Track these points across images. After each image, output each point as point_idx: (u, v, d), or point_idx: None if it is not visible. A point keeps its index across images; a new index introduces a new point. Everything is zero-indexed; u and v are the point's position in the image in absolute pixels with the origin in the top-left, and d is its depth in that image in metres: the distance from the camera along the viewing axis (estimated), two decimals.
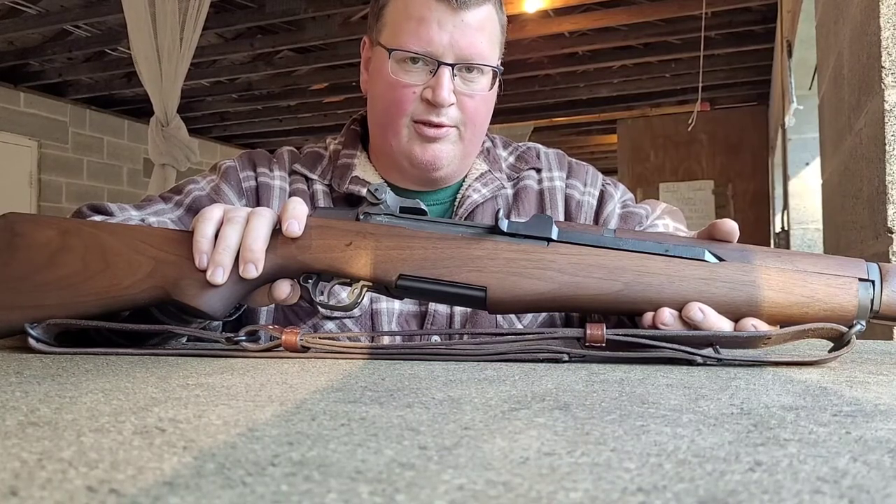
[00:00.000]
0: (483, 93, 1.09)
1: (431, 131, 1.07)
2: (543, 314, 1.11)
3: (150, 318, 0.87)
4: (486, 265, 0.79)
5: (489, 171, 1.17)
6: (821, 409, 0.44)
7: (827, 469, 0.30)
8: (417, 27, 1.04)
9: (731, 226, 0.81)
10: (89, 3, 5.91)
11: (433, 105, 1.05)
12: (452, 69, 1.05)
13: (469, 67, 1.06)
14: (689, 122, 5.70)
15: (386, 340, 0.99)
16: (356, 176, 1.13)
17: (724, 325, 0.76)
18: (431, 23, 1.04)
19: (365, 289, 0.82)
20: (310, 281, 0.83)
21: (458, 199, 1.14)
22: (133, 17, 4.67)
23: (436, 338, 1.06)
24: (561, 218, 1.17)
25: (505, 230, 0.80)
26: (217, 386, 0.53)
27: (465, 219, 1.10)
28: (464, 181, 1.16)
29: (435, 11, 1.04)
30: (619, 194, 1.21)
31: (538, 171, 1.20)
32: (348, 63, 6.87)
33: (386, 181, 1.14)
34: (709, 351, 0.72)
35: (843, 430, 0.38)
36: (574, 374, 0.63)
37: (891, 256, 1.43)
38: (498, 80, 1.11)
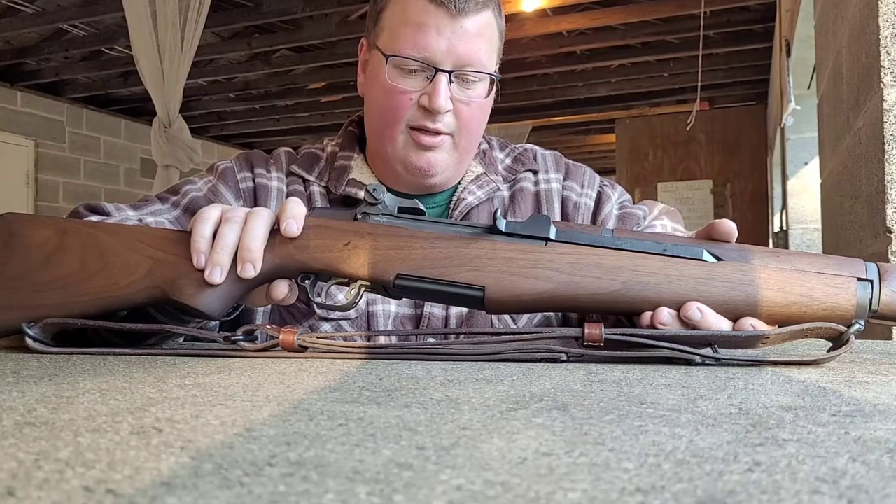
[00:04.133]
0: (479, 100, 1.08)
1: (427, 139, 1.07)
2: (540, 315, 1.10)
3: (148, 318, 0.87)
4: (485, 265, 0.79)
5: (484, 173, 1.16)
6: (819, 409, 0.44)
7: (826, 469, 0.30)
8: (415, 33, 1.03)
9: (729, 226, 0.81)
10: (86, 2, 5.90)
11: (429, 111, 1.05)
12: (450, 76, 1.04)
13: (467, 74, 1.06)
14: (689, 121, 5.70)
15: (382, 341, 0.99)
16: (353, 178, 1.13)
17: (722, 324, 0.76)
18: (430, 29, 1.03)
19: (363, 289, 0.82)
20: (308, 281, 0.83)
21: (453, 202, 1.14)
22: (133, 17, 4.65)
23: (431, 339, 1.06)
24: (558, 219, 1.16)
25: (503, 230, 0.80)
26: (214, 386, 0.53)
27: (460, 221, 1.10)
28: (459, 183, 1.16)
29: (434, 17, 1.03)
30: (617, 195, 1.21)
31: (535, 172, 1.20)
32: (346, 62, 6.87)
33: (382, 184, 1.13)
34: (707, 350, 0.72)
35: (841, 431, 0.38)
36: (572, 374, 0.63)
37: (890, 256, 1.43)
38: (495, 87, 1.10)
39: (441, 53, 1.03)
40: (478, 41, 1.05)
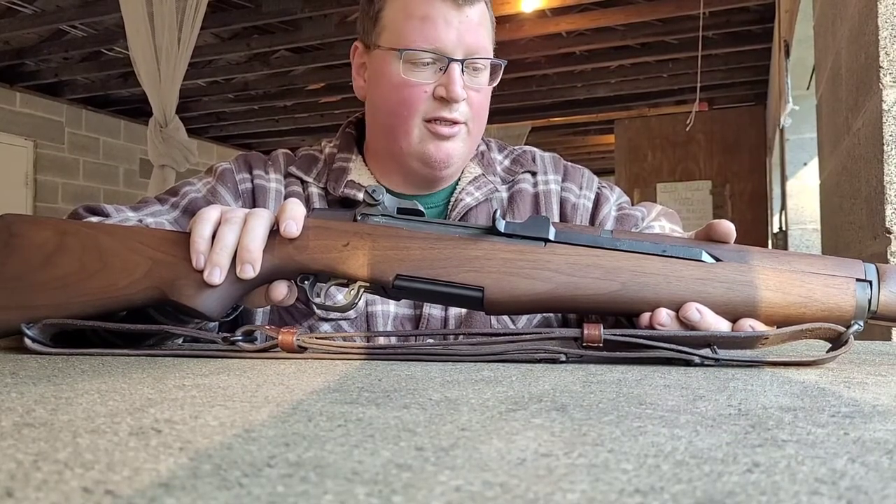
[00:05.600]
0: (486, 86, 1.11)
1: (445, 129, 1.08)
2: (539, 316, 1.11)
3: (148, 319, 0.87)
4: (484, 265, 0.79)
5: (483, 174, 1.17)
6: (819, 410, 0.44)
7: (825, 470, 0.30)
8: (423, 26, 1.05)
9: (727, 226, 0.81)
10: (85, 2, 5.90)
11: (447, 102, 1.06)
12: (462, 65, 1.06)
13: (476, 62, 1.08)
14: (688, 122, 5.71)
15: (381, 342, 0.99)
16: (351, 180, 1.13)
17: (721, 325, 0.76)
18: (437, 20, 1.05)
19: (362, 289, 0.82)
20: (307, 282, 0.83)
21: (451, 202, 1.14)
22: (131, 18, 4.65)
23: (430, 340, 1.06)
24: (556, 220, 1.17)
25: (502, 231, 0.80)
26: (213, 387, 0.53)
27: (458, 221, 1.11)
28: (457, 184, 1.16)
29: (439, 9, 1.05)
30: (615, 197, 1.21)
31: (533, 174, 1.20)
32: (345, 63, 6.85)
33: (381, 184, 1.14)
34: (706, 351, 0.72)
35: (841, 431, 0.38)
36: (571, 374, 0.63)
37: (889, 257, 1.43)
38: (500, 73, 1.13)
39: (452, 44, 1.05)
40: (481, 29, 1.08)
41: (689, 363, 0.72)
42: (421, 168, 1.11)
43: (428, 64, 1.06)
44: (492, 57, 1.11)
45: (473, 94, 1.09)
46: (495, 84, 1.13)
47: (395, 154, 1.12)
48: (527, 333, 0.75)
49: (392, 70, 1.07)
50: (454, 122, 1.08)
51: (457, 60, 1.06)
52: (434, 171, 1.11)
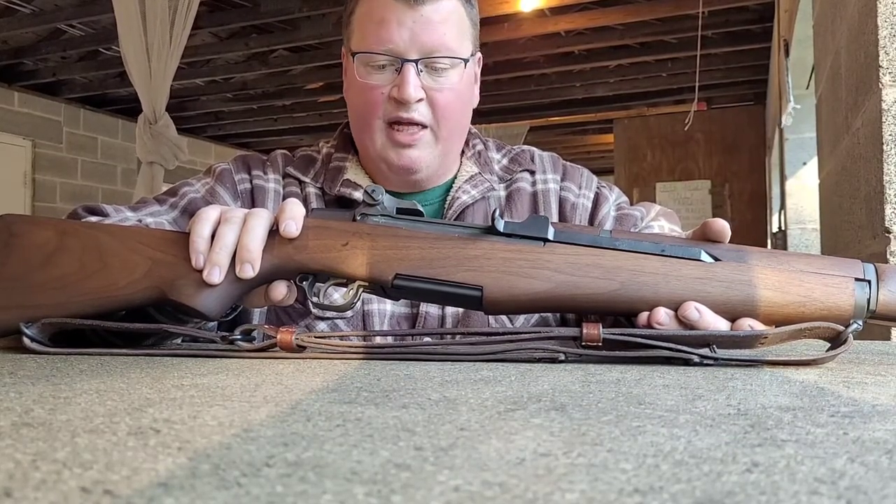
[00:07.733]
0: (454, 86, 1.08)
1: (404, 137, 1.07)
2: (536, 316, 1.11)
3: (147, 319, 0.87)
4: (483, 265, 0.79)
5: (479, 173, 1.17)
6: (818, 410, 0.44)
7: (824, 470, 0.30)
8: (379, 28, 1.05)
9: (721, 224, 0.81)
10: (83, 2, 5.90)
11: (401, 102, 1.05)
12: (417, 65, 1.05)
13: (436, 61, 1.06)
14: (686, 121, 5.71)
15: (378, 341, 0.99)
16: (347, 179, 1.13)
17: (720, 324, 0.76)
18: (391, 22, 1.04)
19: (361, 289, 0.82)
20: (306, 282, 0.83)
21: (447, 201, 1.14)
22: (123, 15, 4.63)
23: (427, 339, 1.06)
24: (555, 220, 1.16)
25: (501, 230, 0.80)
26: (212, 386, 0.53)
27: (455, 220, 1.10)
28: (454, 182, 1.16)
29: (394, 11, 1.04)
30: (614, 197, 1.21)
31: (532, 173, 1.20)
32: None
33: (378, 184, 1.14)
34: (705, 350, 0.72)
35: (840, 431, 0.38)
36: (570, 374, 0.63)
37: (888, 256, 1.43)
38: (467, 70, 1.10)
39: (405, 44, 1.04)
40: (442, 27, 1.06)
41: (688, 362, 0.72)
42: (389, 173, 1.11)
43: (384, 66, 1.06)
44: (461, 56, 1.08)
45: (436, 95, 1.07)
46: (469, 84, 1.11)
47: (368, 156, 1.13)
48: (526, 333, 0.75)
49: (354, 74, 1.08)
50: (413, 124, 1.07)
51: (410, 61, 1.05)
52: (401, 177, 1.11)
